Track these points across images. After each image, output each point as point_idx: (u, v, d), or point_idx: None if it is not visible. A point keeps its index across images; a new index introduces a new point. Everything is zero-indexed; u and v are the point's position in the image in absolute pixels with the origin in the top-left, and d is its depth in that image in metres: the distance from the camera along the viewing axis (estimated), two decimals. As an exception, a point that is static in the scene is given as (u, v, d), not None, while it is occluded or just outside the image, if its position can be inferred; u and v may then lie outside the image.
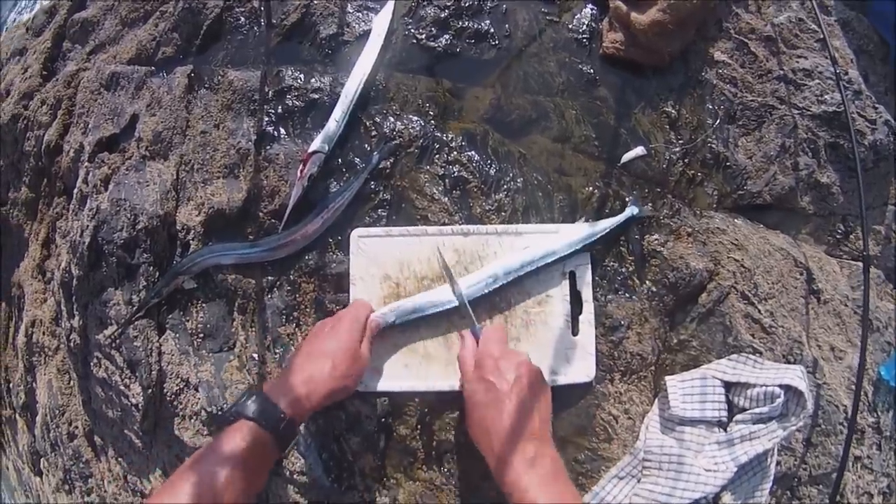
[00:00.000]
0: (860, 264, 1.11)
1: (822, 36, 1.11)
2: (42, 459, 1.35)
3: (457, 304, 0.92)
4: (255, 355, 0.99)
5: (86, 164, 1.17)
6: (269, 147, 1.05)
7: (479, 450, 0.79)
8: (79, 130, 1.24)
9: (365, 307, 0.90)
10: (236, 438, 0.74)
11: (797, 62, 1.15)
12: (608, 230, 0.98)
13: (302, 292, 0.99)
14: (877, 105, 1.16)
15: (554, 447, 0.78)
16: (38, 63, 1.49)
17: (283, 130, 1.06)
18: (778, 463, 0.95)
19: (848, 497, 1.05)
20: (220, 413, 0.75)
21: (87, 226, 1.09)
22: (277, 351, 0.99)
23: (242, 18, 1.17)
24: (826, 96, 1.12)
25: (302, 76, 1.09)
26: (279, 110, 1.07)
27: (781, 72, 1.14)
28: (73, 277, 1.12)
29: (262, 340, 0.99)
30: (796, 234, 1.12)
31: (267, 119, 1.07)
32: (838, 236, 1.15)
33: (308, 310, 0.99)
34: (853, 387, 0.97)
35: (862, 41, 1.22)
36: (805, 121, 1.11)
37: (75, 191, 1.19)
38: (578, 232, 0.96)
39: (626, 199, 1.02)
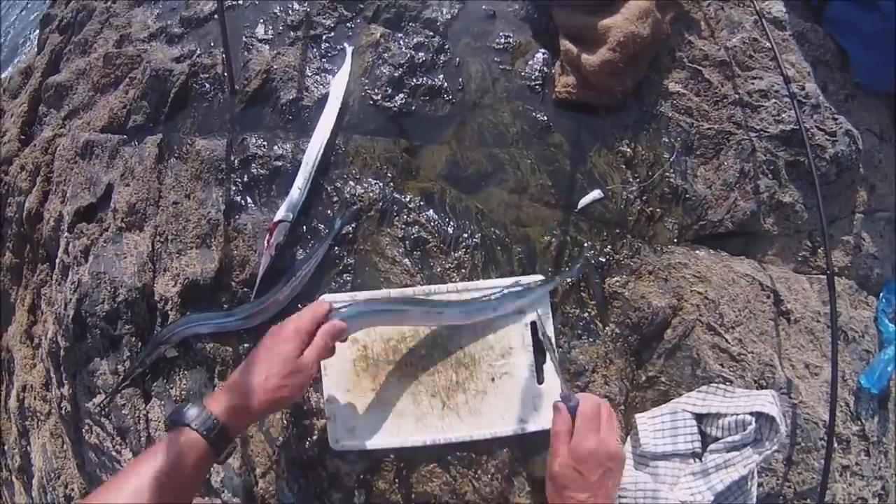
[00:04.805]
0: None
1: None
2: (41, 522, 1.40)
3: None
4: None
5: (66, 233, 1.20)
6: (237, 217, 1.08)
7: None
8: (57, 199, 1.27)
9: (316, 312, 0.88)
10: (174, 443, 0.76)
11: (752, 84, 1.16)
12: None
13: (277, 358, 1.02)
14: (836, 116, 1.16)
15: None
16: (16, 127, 1.52)
17: (249, 199, 1.09)
18: (759, 485, 0.97)
19: (840, 505, 1.07)
20: (165, 419, 0.79)
21: (71, 299, 1.12)
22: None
23: (207, 85, 1.19)
24: (783, 115, 1.13)
25: (265, 143, 1.11)
26: (245, 179, 1.10)
27: (737, 95, 1.15)
28: (60, 348, 1.16)
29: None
30: (762, 257, 1.13)
31: (234, 188, 1.09)
32: (806, 253, 1.15)
33: (284, 374, 1.01)
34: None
35: (819, 52, 1.23)
36: (763, 142, 1.12)
37: (57, 260, 1.22)
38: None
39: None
